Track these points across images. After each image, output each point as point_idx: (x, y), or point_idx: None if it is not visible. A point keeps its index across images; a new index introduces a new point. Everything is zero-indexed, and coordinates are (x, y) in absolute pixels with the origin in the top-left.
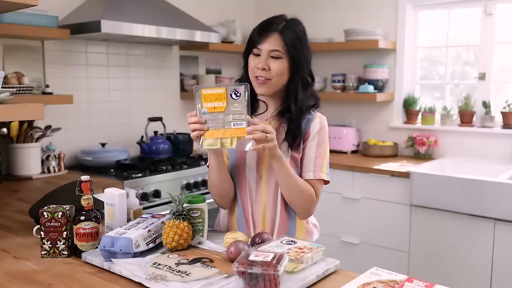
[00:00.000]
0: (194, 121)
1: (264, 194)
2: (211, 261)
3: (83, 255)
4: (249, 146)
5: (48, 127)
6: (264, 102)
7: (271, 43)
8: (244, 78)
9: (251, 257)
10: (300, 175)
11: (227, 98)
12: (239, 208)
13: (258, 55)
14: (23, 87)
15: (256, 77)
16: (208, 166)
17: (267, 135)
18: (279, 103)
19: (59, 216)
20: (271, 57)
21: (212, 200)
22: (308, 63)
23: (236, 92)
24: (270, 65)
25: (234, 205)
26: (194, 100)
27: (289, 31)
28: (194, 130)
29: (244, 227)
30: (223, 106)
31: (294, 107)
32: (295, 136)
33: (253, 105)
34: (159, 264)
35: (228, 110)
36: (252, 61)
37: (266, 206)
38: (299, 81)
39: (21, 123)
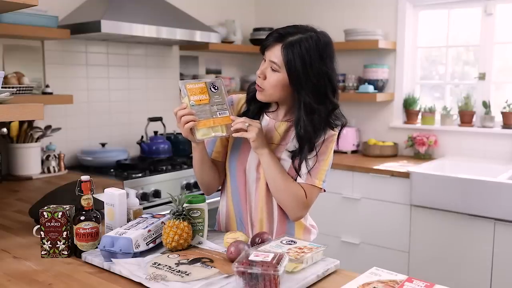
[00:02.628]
0: (186, 113)
1: (262, 194)
2: (211, 261)
3: (83, 255)
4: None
5: (48, 127)
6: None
7: (273, 54)
8: None
9: (251, 257)
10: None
11: (208, 91)
12: (238, 208)
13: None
14: (23, 87)
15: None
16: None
17: (247, 124)
18: (289, 105)
19: (59, 216)
20: (271, 67)
21: (212, 200)
22: (315, 88)
23: (214, 86)
24: (266, 75)
25: (233, 203)
26: (180, 94)
27: (294, 49)
28: (186, 122)
29: (242, 227)
30: (206, 98)
31: (300, 130)
32: (302, 156)
33: (266, 103)
34: (159, 264)
35: (211, 101)
36: (261, 64)
37: (264, 206)
38: (302, 106)
39: (21, 123)
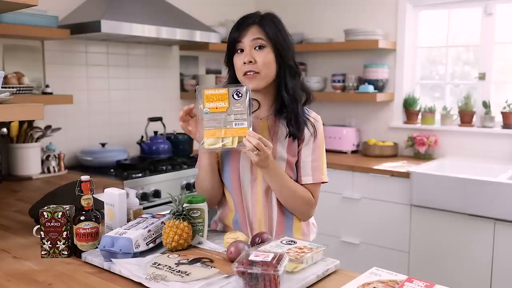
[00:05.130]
0: (181, 114)
1: (259, 195)
2: (211, 261)
3: (83, 255)
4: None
5: (48, 127)
6: (256, 100)
7: (252, 34)
8: (231, 82)
9: (251, 257)
10: (298, 179)
11: (229, 98)
12: (235, 209)
13: (242, 50)
14: (23, 87)
15: (245, 74)
16: (197, 167)
17: (256, 151)
18: (271, 100)
19: (59, 216)
20: (255, 48)
21: None
22: (292, 51)
23: (238, 93)
24: (255, 57)
25: (230, 206)
26: (196, 100)
27: (266, 22)
28: (181, 123)
29: (240, 228)
30: (225, 106)
31: (287, 96)
32: (298, 128)
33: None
34: (159, 264)
35: (230, 110)
36: (237, 59)
37: (262, 207)
38: (286, 70)
39: (21, 123)
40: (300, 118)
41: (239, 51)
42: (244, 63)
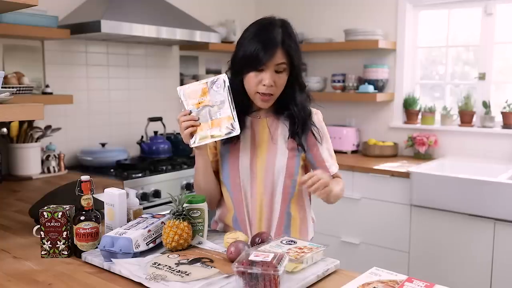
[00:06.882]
0: (187, 119)
1: (260, 194)
2: (211, 261)
3: (83, 255)
4: (238, 131)
5: (48, 127)
6: None
7: (277, 59)
8: (239, 89)
9: (251, 257)
10: (324, 170)
11: (209, 91)
12: (234, 208)
13: (261, 70)
14: (23, 87)
15: (259, 92)
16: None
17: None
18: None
19: (59, 216)
20: (278, 69)
21: None
22: (301, 66)
23: (217, 84)
24: (275, 81)
25: (228, 205)
26: (179, 101)
27: (289, 41)
28: (187, 128)
29: (240, 228)
30: (207, 99)
31: (296, 109)
32: (303, 133)
33: (247, 104)
34: (159, 264)
35: (212, 102)
36: (254, 76)
37: (262, 206)
38: (296, 87)
39: (21, 123)
40: (306, 126)
41: (258, 68)
42: (264, 85)
